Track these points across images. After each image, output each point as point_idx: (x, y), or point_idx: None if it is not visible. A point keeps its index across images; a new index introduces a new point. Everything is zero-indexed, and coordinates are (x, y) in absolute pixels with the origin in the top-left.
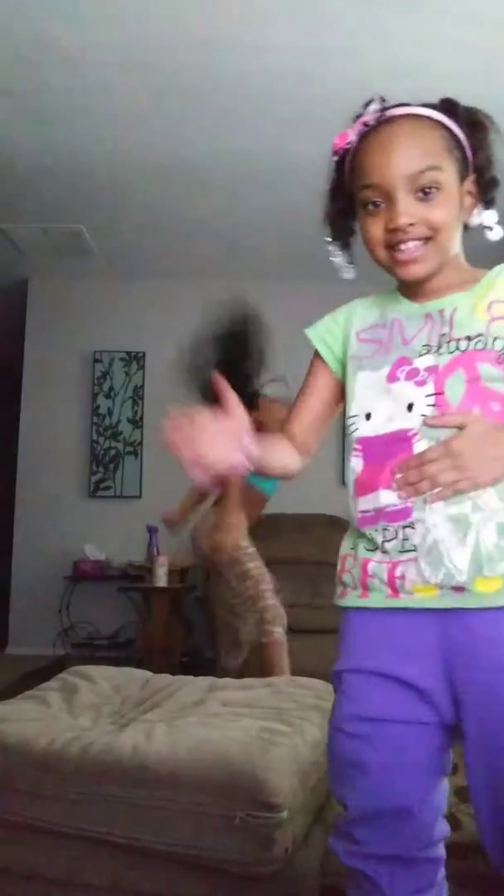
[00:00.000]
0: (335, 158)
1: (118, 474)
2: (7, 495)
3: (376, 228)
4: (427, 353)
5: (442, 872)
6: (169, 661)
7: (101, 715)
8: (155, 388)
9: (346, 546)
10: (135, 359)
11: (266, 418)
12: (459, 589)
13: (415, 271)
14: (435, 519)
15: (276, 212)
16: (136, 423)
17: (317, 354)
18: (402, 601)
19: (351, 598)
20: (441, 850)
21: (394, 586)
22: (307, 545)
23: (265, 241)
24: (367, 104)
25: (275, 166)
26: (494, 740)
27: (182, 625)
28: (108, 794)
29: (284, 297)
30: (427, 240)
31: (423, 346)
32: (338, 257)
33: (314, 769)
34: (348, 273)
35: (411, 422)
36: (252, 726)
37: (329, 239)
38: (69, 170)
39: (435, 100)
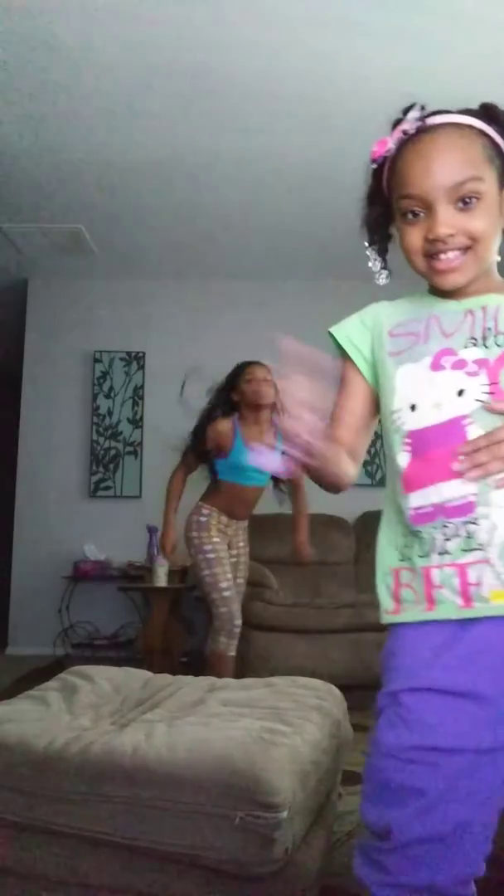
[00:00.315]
0: (373, 166)
1: (118, 474)
2: (7, 495)
3: (415, 238)
4: (473, 345)
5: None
6: (169, 661)
7: (101, 715)
8: (155, 388)
9: (390, 557)
10: (135, 359)
11: (246, 391)
12: None
13: (453, 280)
14: (501, 513)
15: (276, 212)
16: (136, 423)
17: (345, 356)
18: (477, 610)
19: (412, 614)
20: (472, 889)
21: (467, 595)
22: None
23: (265, 242)
24: (407, 110)
25: (275, 167)
26: None
27: (182, 625)
28: (108, 794)
29: (284, 297)
30: (466, 249)
31: (469, 339)
32: (374, 262)
33: (314, 769)
34: (382, 279)
35: (464, 407)
36: (252, 726)
37: (366, 244)
38: (69, 170)
39: (438, 101)
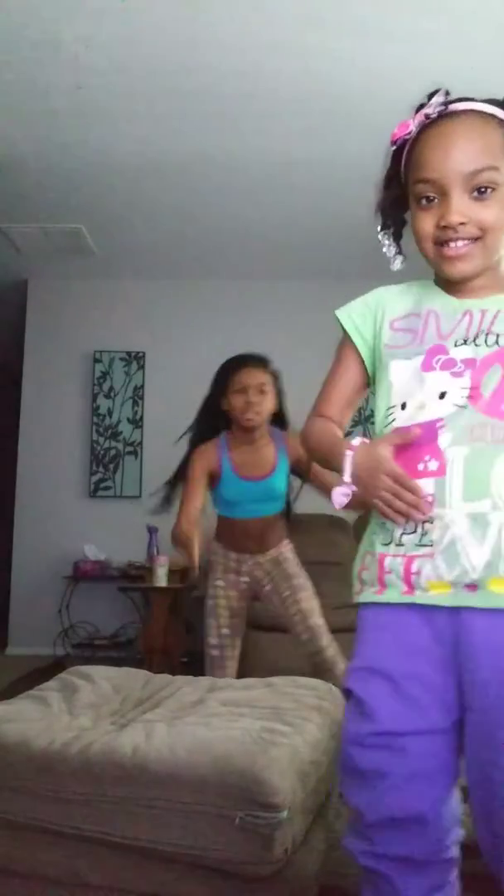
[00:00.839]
0: (393, 147)
1: (118, 474)
2: (7, 495)
3: (427, 223)
4: (464, 344)
5: (455, 872)
6: (169, 661)
7: (101, 715)
8: (155, 388)
9: (365, 543)
10: (135, 359)
11: (233, 409)
12: (472, 587)
13: (460, 269)
14: (454, 515)
15: (276, 212)
16: (136, 423)
17: (347, 338)
18: (416, 597)
19: (367, 595)
20: (455, 851)
21: (409, 582)
22: (307, 545)
23: (265, 242)
24: (431, 95)
25: (275, 166)
26: (488, 738)
27: (182, 625)
28: (108, 794)
29: (285, 297)
30: (476, 239)
31: (461, 337)
32: (388, 247)
33: (314, 769)
34: (397, 264)
35: (442, 410)
36: (252, 726)
37: (379, 229)
38: (69, 170)
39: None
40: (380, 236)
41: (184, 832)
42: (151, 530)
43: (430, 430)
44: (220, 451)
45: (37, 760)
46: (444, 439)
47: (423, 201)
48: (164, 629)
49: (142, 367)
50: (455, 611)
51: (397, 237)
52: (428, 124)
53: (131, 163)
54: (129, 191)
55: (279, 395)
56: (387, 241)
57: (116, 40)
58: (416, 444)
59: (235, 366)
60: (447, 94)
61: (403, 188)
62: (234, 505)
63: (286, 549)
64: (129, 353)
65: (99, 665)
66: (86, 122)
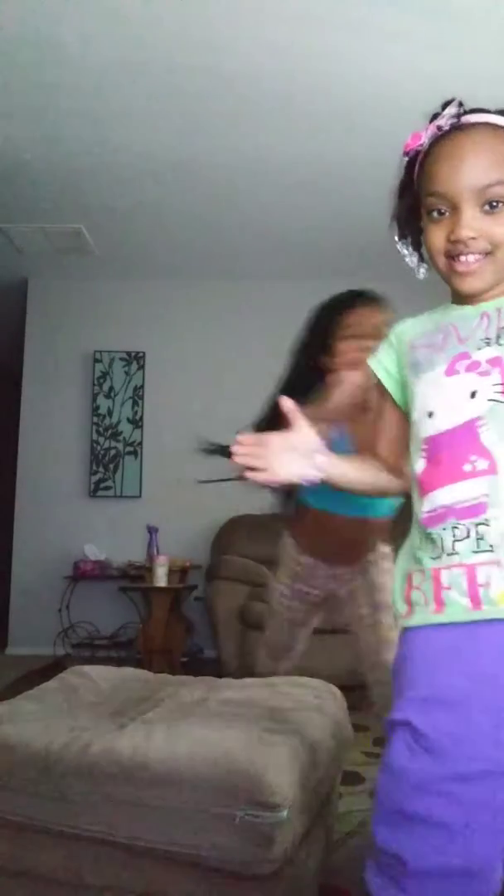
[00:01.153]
0: (405, 158)
1: (118, 474)
2: (7, 495)
3: (439, 237)
4: (487, 345)
5: None
6: (169, 661)
7: (101, 715)
8: (155, 388)
9: (405, 561)
10: (135, 359)
11: (342, 361)
12: None
13: (471, 284)
14: None
15: (276, 212)
16: (136, 423)
17: (378, 382)
18: (486, 613)
19: (420, 616)
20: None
21: (476, 597)
22: None
23: (265, 241)
24: (445, 105)
25: (275, 166)
26: None
27: (182, 625)
28: (108, 794)
29: (285, 297)
30: (487, 254)
31: (482, 339)
32: (410, 258)
33: (314, 769)
34: (422, 273)
35: (477, 409)
36: (252, 726)
37: (396, 238)
38: (69, 170)
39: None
40: (398, 246)
41: (183, 832)
42: (151, 530)
43: (470, 430)
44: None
45: (36, 760)
46: (487, 437)
47: (435, 214)
48: (164, 629)
49: (142, 367)
50: None
51: (416, 246)
52: (440, 136)
53: (131, 163)
54: (129, 191)
55: None
56: (406, 251)
57: (117, 40)
58: (453, 445)
59: (347, 304)
60: (461, 105)
61: (417, 198)
62: (334, 495)
63: (380, 554)
64: (129, 353)
65: (99, 665)
66: (86, 123)
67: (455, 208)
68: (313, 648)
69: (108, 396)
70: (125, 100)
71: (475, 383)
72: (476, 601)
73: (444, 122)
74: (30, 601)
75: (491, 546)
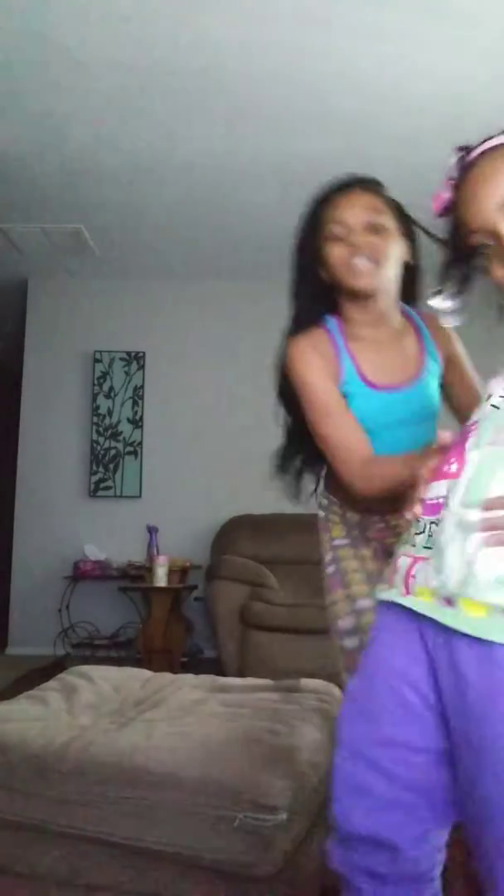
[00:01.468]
0: (441, 218)
1: (118, 474)
2: (7, 495)
3: (500, 269)
4: None
5: (437, 884)
6: (169, 661)
7: (101, 715)
8: (155, 388)
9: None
10: (135, 359)
11: (335, 267)
12: (448, 601)
13: None
14: (448, 520)
15: (276, 211)
16: (136, 423)
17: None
18: (408, 600)
19: (379, 590)
20: (437, 872)
21: (407, 584)
22: (307, 545)
23: (265, 242)
24: (462, 152)
25: (275, 166)
26: (471, 780)
27: (182, 625)
28: (108, 794)
29: (284, 297)
30: None
31: None
32: (447, 304)
33: (314, 771)
34: (458, 320)
35: (480, 412)
36: (252, 727)
37: (438, 289)
38: (69, 170)
39: (440, 100)
40: (437, 301)
41: (183, 832)
42: (151, 530)
43: (464, 432)
44: (333, 343)
45: (36, 760)
46: (471, 441)
47: (485, 249)
48: (164, 629)
49: (142, 367)
50: (444, 630)
51: (459, 294)
52: (457, 181)
53: (131, 163)
54: (130, 191)
55: (411, 238)
56: (447, 301)
57: (117, 40)
58: (453, 444)
59: (323, 199)
60: (462, 149)
61: (461, 248)
62: (378, 442)
63: None
64: (129, 353)
65: (99, 665)
66: (86, 123)
67: (497, 238)
68: (313, 648)
69: (108, 396)
70: (125, 100)
71: (493, 387)
72: (406, 588)
73: (453, 171)
74: (30, 601)
75: (433, 545)
